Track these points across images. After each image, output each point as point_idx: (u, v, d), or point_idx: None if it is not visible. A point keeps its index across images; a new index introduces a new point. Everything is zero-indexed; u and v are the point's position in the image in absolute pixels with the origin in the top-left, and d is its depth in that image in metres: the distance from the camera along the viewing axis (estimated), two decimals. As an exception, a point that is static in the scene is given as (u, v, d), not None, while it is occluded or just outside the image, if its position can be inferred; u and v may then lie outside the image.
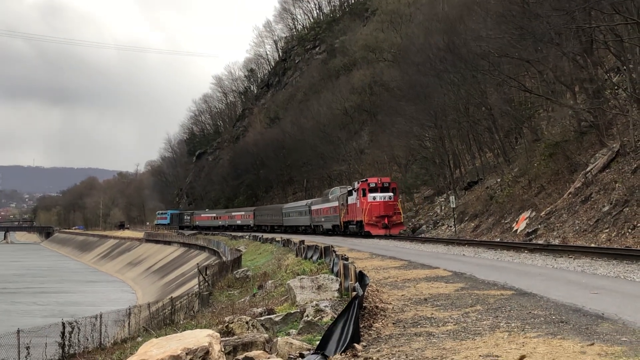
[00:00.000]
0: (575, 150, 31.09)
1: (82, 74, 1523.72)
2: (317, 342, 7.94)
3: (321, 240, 37.47)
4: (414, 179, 53.39)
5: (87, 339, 24.34)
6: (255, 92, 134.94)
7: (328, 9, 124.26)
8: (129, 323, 28.96)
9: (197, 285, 37.79)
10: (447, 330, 8.37)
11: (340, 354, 7.32)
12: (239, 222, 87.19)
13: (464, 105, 42.86)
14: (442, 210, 45.10)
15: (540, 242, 25.29)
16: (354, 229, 44.21)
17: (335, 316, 9.02)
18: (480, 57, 37.32)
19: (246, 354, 8.24)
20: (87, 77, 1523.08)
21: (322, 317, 10.57)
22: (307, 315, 10.74)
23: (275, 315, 12.24)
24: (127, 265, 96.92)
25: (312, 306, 11.24)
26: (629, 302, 10.03)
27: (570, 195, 28.08)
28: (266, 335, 9.66)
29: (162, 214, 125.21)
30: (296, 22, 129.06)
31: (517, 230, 30.28)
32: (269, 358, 7.79)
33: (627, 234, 21.27)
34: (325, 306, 11.36)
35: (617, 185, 24.67)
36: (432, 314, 9.80)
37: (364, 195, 41.26)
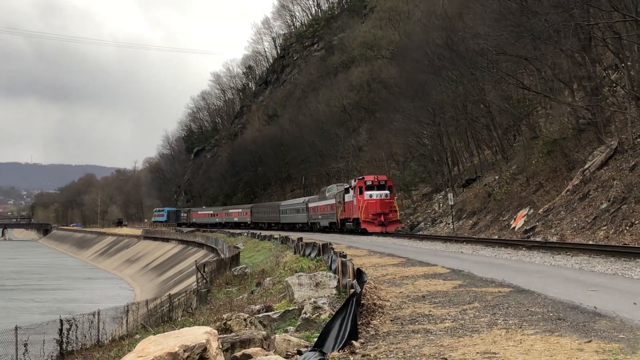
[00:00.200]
0: (574, 147, 31.10)
1: (80, 71, 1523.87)
2: (315, 339, 7.93)
3: (319, 238, 37.49)
4: (412, 177, 53.41)
5: (85, 336, 24.34)
6: (253, 89, 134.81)
7: (326, 6, 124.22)
8: (126, 320, 28.97)
9: (195, 283, 37.78)
10: (444, 328, 8.38)
11: (338, 351, 7.32)
12: (236, 219, 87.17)
13: (462, 102, 42.87)
14: (440, 208, 45.15)
15: (538, 239, 25.31)
16: (351, 227, 44.32)
17: (333, 313, 9.01)
18: (478, 54, 37.37)
19: (244, 350, 8.24)
20: (86, 74, 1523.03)
21: (320, 314, 10.55)
22: (305, 313, 10.73)
23: (273, 312, 12.23)
24: (125, 263, 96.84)
25: (310, 303, 11.23)
26: (626, 300, 10.04)
27: (568, 193, 28.11)
28: (264, 332, 9.65)
29: (159, 211, 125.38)
30: (294, 19, 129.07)
31: (515, 227, 30.30)
32: (266, 355, 7.78)
33: (625, 231, 21.29)
34: (323, 303, 11.34)
35: (615, 182, 24.69)
36: (430, 311, 9.80)
37: (361, 192, 41.42)
